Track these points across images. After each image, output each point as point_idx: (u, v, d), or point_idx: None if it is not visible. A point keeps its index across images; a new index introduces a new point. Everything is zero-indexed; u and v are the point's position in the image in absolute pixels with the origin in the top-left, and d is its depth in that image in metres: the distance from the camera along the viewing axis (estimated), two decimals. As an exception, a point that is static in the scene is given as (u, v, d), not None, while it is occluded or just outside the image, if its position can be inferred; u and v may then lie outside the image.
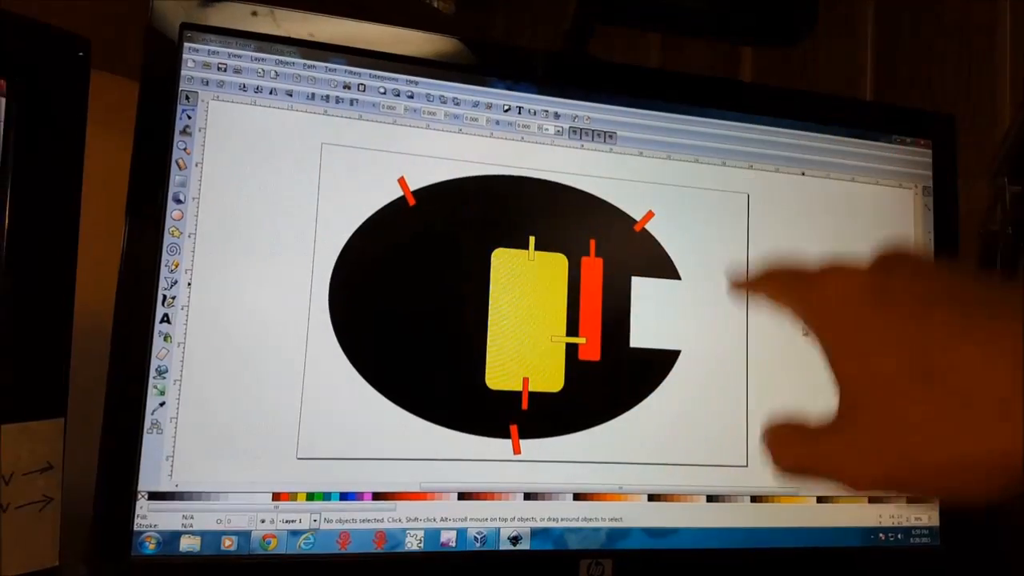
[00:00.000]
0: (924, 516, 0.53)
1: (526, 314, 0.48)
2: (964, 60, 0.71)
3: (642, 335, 0.50)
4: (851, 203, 0.55)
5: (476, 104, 0.48)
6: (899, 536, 0.53)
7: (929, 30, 0.73)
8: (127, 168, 0.43)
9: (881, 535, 0.52)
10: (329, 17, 0.46)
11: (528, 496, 0.47)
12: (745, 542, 0.50)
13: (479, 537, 0.46)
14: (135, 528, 0.41)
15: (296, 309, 0.44)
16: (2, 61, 0.39)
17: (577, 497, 0.48)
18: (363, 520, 0.44)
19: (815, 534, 0.51)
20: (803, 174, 0.54)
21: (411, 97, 0.47)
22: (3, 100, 0.40)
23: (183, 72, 0.44)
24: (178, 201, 0.43)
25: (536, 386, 0.47)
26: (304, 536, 0.43)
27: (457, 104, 0.48)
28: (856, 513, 0.52)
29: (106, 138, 0.45)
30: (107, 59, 0.47)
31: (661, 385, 0.50)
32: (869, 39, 0.76)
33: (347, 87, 0.46)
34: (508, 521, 0.46)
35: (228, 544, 0.42)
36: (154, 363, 0.42)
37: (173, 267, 0.43)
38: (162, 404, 0.42)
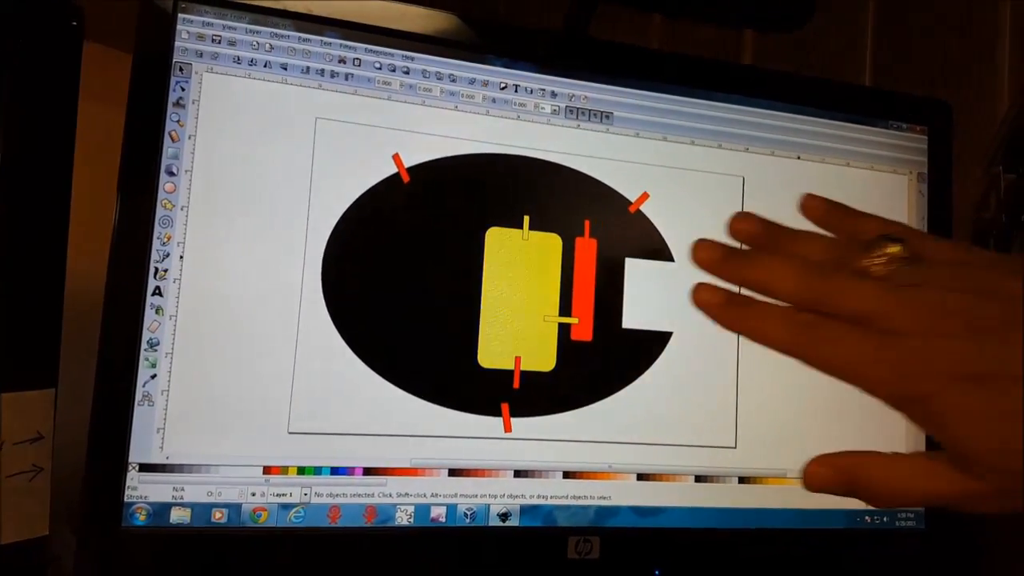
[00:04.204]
0: (910, 500, 0.54)
1: (519, 293, 0.48)
2: (963, 48, 0.71)
3: (634, 316, 0.50)
4: (846, 188, 0.55)
5: (472, 81, 0.48)
6: (885, 518, 0.53)
7: (929, 18, 0.73)
8: (120, 140, 0.42)
9: (867, 517, 0.53)
10: (325, -10, 0.46)
11: (518, 473, 0.47)
12: (732, 522, 0.50)
13: (469, 513, 0.46)
14: (125, 499, 0.41)
15: (289, 284, 0.44)
16: (-7, 28, 0.39)
17: (567, 475, 0.48)
18: (354, 495, 0.44)
19: (801, 515, 0.52)
20: (799, 158, 0.54)
21: (407, 73, 0.47)
22: (-6, 68, 0.39)
23: (177, 43, 0.43)
24: (171, 173, 0.43)
25: (528, 365, 0.48)
26: (295, 510, 0.44)
27: (453, 81, 0.48)
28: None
29: (99, 109, 0.45)
30: (99, 31, 0.46)
31: (652, 366, 0.50)
32: (869, 25, 0.75)
33: (342, 61, 0.46)
34: (498, 498, 0.47)
35: (219, 516, 0.43)
36: (145, 335, 0.42)
37: (165, 240, 0.43)
38: (153, 376, 0.42)
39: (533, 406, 0.48)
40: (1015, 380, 0.20)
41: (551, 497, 0.48)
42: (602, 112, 0.50)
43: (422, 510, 0.46)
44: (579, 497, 0.48)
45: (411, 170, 0.47)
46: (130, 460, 0.41)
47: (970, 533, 0.55)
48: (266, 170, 0.44)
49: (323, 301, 0.44)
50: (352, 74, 0.46)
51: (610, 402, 0.49)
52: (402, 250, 0.46)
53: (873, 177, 0.55)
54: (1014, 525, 0.54)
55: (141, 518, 0.42)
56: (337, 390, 0.44)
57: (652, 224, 0.51)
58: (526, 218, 0.48)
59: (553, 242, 0.49)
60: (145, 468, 0.42)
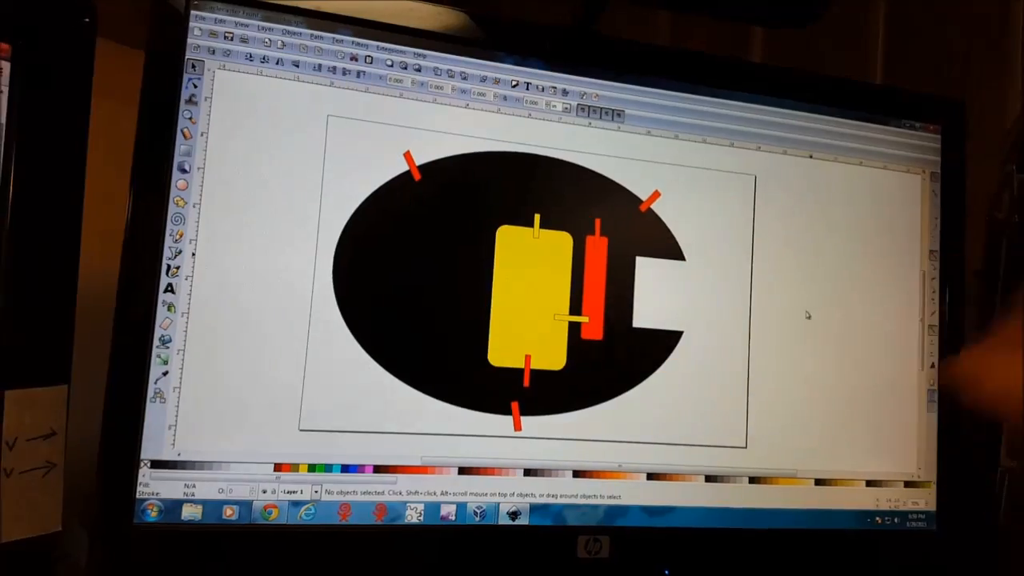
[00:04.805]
0: (921, 500, 0.54)
1: (529, 292, 0.48)
2: (976, 46, 0.71)
3: (645, 315, 0.50)
4: (858, 187, 0.54)
5: (484, 79, 0.48)
6: (895, 520, 0.53)
7: (941, 15, 0.73)
8: (132, 137, 0.43)
9: (878, 518, 0.53)
10: (337, -13, 0.46)
11: (528, 472, 0.47)
12: (742, 522, 0.50)
13: (479, 511, 0.46)
14: (137, 496, 0.42)
15: (300, 282, 0.44)
16: (7, 24, 0.39)
17: (576, 474, 0.48)
18: (364, 492, 0.45)
19: (812, 516, 0.51)
20: (811, 157, 0.54)
21: (418, 70, 0.47)
22: (8, 65, 0.39)
23: (189, 40, 0.43)
24: (183, 171, 0.43)
25: (538, 364, 0.48)
26: (305, 507, 0.44)
27: (465, 79, 0.48)
28: (854, 496, 0.52)
29: (111, 107, 0.45)
30: (112, 28, 0.46)
31: (663, 366, 0.50)
32: (880, 22, 0.75)
33: (354, 59, 0.46)
34: (508, 496, 0.47)
35: (229, 513, 0.43)
36: (157, 332, 0.42)
37: (177, 237, 0.43)
38: (165, 373, 0.42)
39: (543, 405, 0.47)
40: None
41: (561, 496, 0.48)
42: (613, 110, 0.50)
43: (432, 508, 0.46)
44: (589, 496, 0.48)
45: (422, 168, 0.47)
46: (142, 457, 0.42)
47: (981, 535, 0.55)
48: (278, 167, 0.44)
49: (334, 298, 0.44)
50: (364, 71, 0.46)
51: (620, 401, 0.49)
52: (413, 248, 0.46)
53: (886, 176, 0.55)
54: (1026, 527, 0.54)
55: (153, 514, 0.42)
56: (348, 388, 0.44)
57: (663, 223, 0.50)
58: (537, 216, 0.48)
59: (564, 240, 0.49)
60: (157, 465, 0.42)
